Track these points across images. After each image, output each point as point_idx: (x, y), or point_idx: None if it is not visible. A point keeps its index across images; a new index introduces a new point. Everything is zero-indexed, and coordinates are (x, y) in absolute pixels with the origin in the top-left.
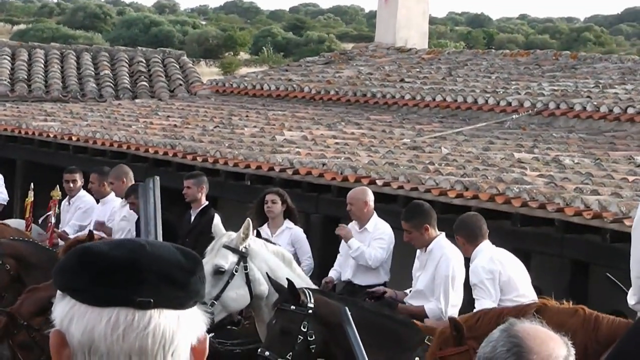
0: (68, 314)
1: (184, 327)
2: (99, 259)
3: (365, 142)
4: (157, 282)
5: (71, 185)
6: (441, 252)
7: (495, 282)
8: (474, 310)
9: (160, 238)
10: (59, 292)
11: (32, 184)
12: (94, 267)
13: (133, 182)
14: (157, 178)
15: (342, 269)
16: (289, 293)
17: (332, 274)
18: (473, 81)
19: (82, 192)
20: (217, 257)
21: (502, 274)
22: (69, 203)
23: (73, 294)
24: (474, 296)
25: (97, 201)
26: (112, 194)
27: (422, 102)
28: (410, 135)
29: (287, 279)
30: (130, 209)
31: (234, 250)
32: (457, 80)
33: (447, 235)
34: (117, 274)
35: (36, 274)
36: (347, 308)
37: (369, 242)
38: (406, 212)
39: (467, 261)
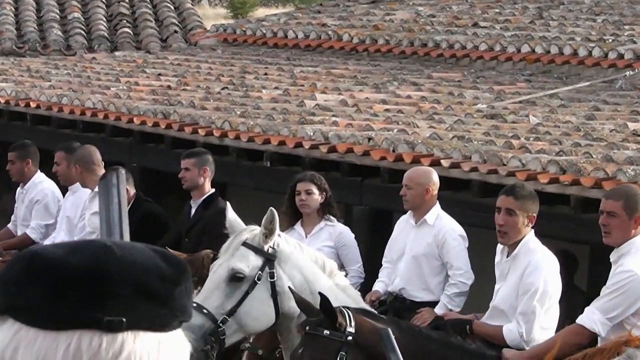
0: (11, 342)
1: (166, 356)
2: (53, 268)
3: (425, 108)
4: (130, 296)
5: (15, 166)
6: (528, 258)
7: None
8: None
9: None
10: None
11: None
12: (45, 278)
13: (102, 167)
14: (123, 171)
15: (389, 279)
16: (322, 312)
17: (378, 286)
18: (572, 26)
19: (39, 177)
20: (234, 258)
21: None
22: (23, 191)
23: (18, 314)
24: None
25: (65, 189)
26: None
27: (502, 54)
28: (487, 99)
29: (320, 293)
30: None
31: (258, 250)
32: (550, 24)
33: (536, 233)
34: (77, 287)
35: None
36: (389, 330)
37: (432, 240)
38: (515, 188)
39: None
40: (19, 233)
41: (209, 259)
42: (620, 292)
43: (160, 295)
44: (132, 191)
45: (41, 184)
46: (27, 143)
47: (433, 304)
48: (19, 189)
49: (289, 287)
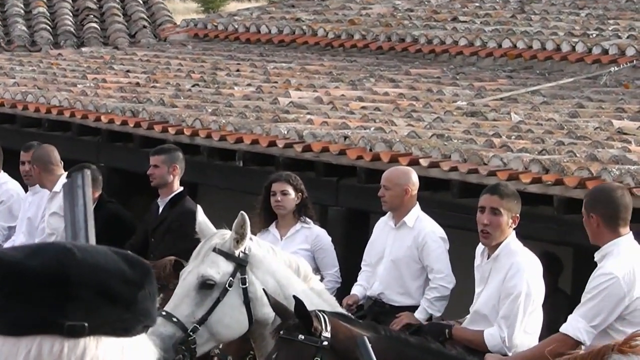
0: None
1: None
2: (12, 271)
3: (403, 105)
4: (92, 300)
5: None
6: (510, 260)
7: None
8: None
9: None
10: None
11: None
12: (4, 282)
13: (61, 167)
14: (88, 172)
15: (368, 283)
16: (296, 317)
17: (356, 290)
18: (554, 20)
19: (3, 177)
20: (204, 264)
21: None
22: None
23: None
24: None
25: (26, 189)
26: None
27: (483, 50)
28: (467, 96)
29: (294, 296)
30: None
31: (229, 256)
32: (532, 18)
33: (517, 235)
34: (37, 291)
35: None
36: (365, 337)
37: (412, 243)
38: (499, 187)
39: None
40: None
41: (171, 265)
42: (601, 296)
43: (123, 298)
44: (98, 192)
45: (5, 184)
46: None
47: (413, 309)
48: None
49: (263, 290)
